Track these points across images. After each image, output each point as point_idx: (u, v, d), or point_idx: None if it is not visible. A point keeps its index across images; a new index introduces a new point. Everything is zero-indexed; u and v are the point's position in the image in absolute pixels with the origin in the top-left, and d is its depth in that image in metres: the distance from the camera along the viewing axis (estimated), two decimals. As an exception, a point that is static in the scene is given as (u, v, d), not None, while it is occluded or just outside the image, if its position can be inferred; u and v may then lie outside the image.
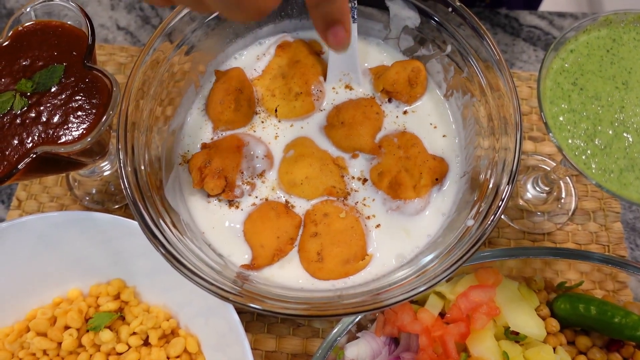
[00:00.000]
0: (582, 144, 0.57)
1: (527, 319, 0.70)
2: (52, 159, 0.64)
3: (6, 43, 0.67)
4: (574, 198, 0.88)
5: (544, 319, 0.73)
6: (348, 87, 0.81)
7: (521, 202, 0.88)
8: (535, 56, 1.04)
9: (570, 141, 0.57)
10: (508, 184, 0.62)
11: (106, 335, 0.72)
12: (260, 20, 0.72)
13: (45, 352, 0.73)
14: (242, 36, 0.83)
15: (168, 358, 0.73)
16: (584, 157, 0.57)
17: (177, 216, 0.68)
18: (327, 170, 0.73)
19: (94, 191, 0.89)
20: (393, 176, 0.73)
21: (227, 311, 0.67)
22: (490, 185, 0.65)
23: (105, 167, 0.87)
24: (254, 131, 0.78)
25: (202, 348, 0.74)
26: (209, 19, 0.77)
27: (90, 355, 0.74)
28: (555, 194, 0.88)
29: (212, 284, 0.58)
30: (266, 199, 0.74)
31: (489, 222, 0.61)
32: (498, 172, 0.64)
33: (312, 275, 0.69)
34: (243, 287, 0.61)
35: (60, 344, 0.73)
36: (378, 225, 0.72)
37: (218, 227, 0.72)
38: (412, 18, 0.77)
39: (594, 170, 0.56)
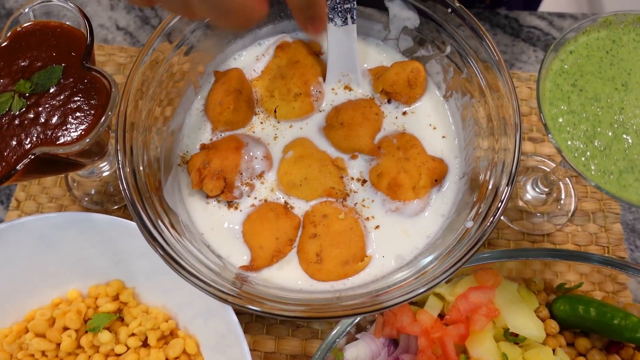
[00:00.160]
0: (581, 146, 0.57)
1: (526, 320, 0.70)
2: (50, 160, 0.64)
3: (5, 44, 0.67)
4: (573, 199, 0.88)
5: (543, 320, 0.73)
6: (347, 87, 0.81)
7: (521, 203, 0.88)
8: (535, 57, 1.04)
9: (569, 143, 0.57)
10: (507, 185, 0.62)
11: (105, 336, 0.72)
12: (248, 29, 0.73)
13: (44, 353, 0.73)
14: (242, 37, 0.83)
15: (167, 359, 0.73)
16: (583, 158, 0.57)
17: (176, 217, 0.68)
18: (326, 171, 0.73)
19: (93, 192, 0.89)
20: (392, 177, 0.72)
21: (226, 312, 0.67)
22: (490, 187, 0.64)
23: (104, 168, 0.87)
24: (253, 132, 0.78)
25: (201, 349, 0.74)
26: (208, 19, 0.76)
27: (89, 357, 0.73)
28: (554, 195, 0.88)
29: (211, 286, 0.58)
30: (265, 200, 0.74)
31: (488, 224, 0.61)
32: (497, 173, 0.64)
33: (311, 276, 0.69)
34: (242, 288, 0.61)
35: (59, 345, 0.73)
36: (377, 227, 0.72)
37: (217, 228, 0.72)
38: (411, 19, 0.77)
39: (593, 172, 0.56)
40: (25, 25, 0.68)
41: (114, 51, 1.02)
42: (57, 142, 0.63)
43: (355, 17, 0.74)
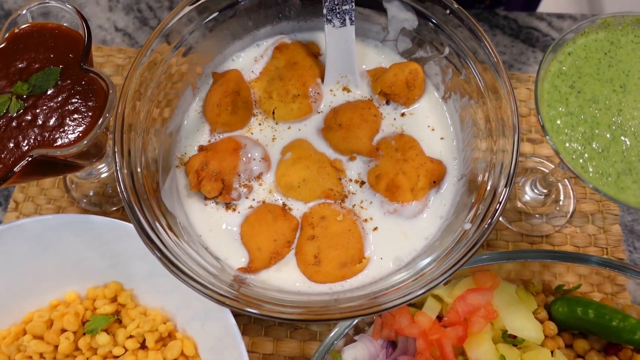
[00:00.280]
0: (579, 148, 0.57)
1: (524, 322, 0.70)
2: (48, 162, 0.64)
3: (2, 45, 0.67)
4: (572, 200, 0.88)
5: (541, 322, 0.73)
6: (346, 89, 0.81)
7: (519, 204, 0.88)
8: (534, 57, 1.03)
9: (567, 144, 0.57)
10: (505, 186, 0.62)
11: (102, 338, 0.72)
12: None
13: (41, 355, 0.73)
14: (240, 38, 0.83)
15: (165, 361, 0.73)
16: (581, 160, 0.57)
17: (174, 219, 0.68)
18: (324, 172, 0.73)
19: (91, 193, 0.89)
20: (390, 179, 0.72)
21: (223, 315, 0.67)
22: (488, 188, 0.64)
23: (103, 169, 0.86)
24: (251, 133, 0.78)
25: (199, 351, 0.74)
26: (207, 20, 0.76)
27: (87, 359, 0.73)
28: (553, 196, 0.88)
29: (208, 288, 0.57)
30: (263, 202, 0.74)
31: (486, 226, 0.61)
32: (496, 174, 0.64)
33: (309, 278, 0.69)
34: (239, 290, 0.61)
35: (56, 347, 0.73)
36: (375, 228, 0.72)
37: (215, 230, 0.72)
38: (409, 20, 0.77)
39: (591, 174, 0.56)
40: (23, 26, 0.68)
41: (113, 52, 1.02)
42: (55, 144, 0.62)
43: (353, 19, 0.74)
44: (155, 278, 0.75)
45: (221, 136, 0.78)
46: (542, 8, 1.41)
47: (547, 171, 0.88)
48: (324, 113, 0.79)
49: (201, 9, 0.75)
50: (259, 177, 0.75)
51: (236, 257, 0.71)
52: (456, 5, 0.71)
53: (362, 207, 0.74)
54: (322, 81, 0.81)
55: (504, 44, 1.05)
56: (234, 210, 0.73)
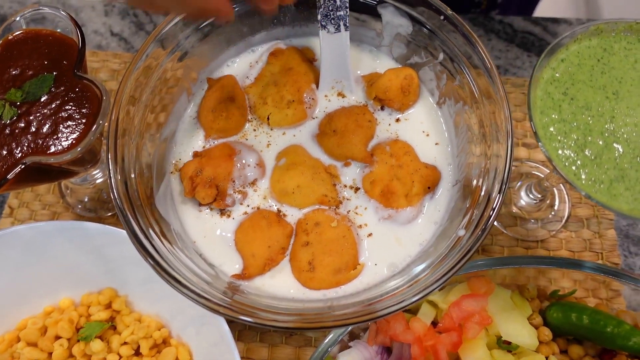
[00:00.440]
0: (572, 155, 0.57)
1: (519, 328, 0.70)
2: (42, 169, 0.64)
3: (-4, 52, 0.67)
4: (567, 205, 0.88)
5: (536, 327, 0.73)
6: (341, 94, 0.81)
7: (515, 209, 0.88)
8: (529, 62, 1.04)
9: (560, 152, 0.57)
10: (499, 192, 0.62)
11: (97, 345, 0.72)
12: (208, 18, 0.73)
13: (35, 362, 0.73)
14: (235, 43, 0.83)
15: (159, 368, 0.73)
16: (574, 167, 0.57)
17: (168, 225, 0.68)
18: (318, 178, 0.73)
19: (86, 199, 0.89)
20: (385, 184, 0.72)
21: (218, 321, 0.67)
22: (482, 194, 0.64)
23: (97, 175, 0.86)
24: (246, 139, 0.78)
25: (194, 358, 0.74)
26: (203, 25, 0.76)
27: (81, 365, 0.73)
28: (548, 201, 0.88)
29: (202, 296, 0.57)
30: (258, 208, 0.74)
31: (480, 232, 0.61)
32: (490, 180, 0.64)
33: (303, 284, 0.69)
34: (233, 298, 0.61)
35: (50, 354, 0.73)
36: (370, 234, 0.72)
37: (209, 237, 0.72)
38: (404, 26, 0.77)
39: (583, 181, 0.56)
40: (16, 33, 0.68)
41: (108, 57, 1.02)
42: (48, 152, 0.62)
43: (348, 25, 0.74)
44: (150, 284, 0.75)
45: (216, 142, 0.78)
46: (539, 12, 1.42)
47: (542, 176, 0.89)
48: (319, 119, 0.79)
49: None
50: (253, 183, 0.75)
51: (230, 264, 0.71)
52: (450, 11, 0.71)
53: (356, 213, 0.74)
54: (317, 87, 0.81)
55: (499, 48, 1.05)
56: (229, 216, 0.73)
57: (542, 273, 0.80)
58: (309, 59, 0.83)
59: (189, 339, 0.75)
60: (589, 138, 0.57)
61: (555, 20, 1.08)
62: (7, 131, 0.63)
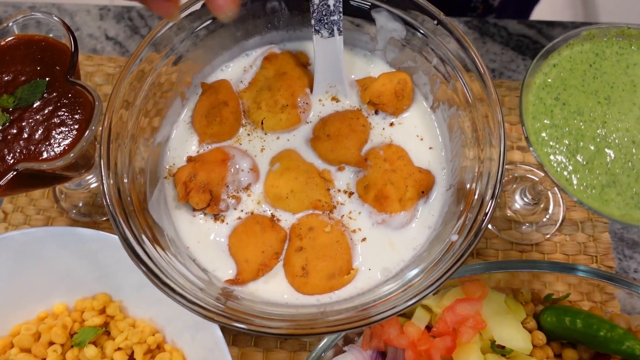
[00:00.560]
0: (564, 160, 0.57)
1: (513, 332, 0.70)
2: (35, 175, 0.64)
3: (-12, 58, 0.67)
4: (562, 208, 0.88)
5: (530, 331, 0.73)
6: (335, 99, 0.81)
7: (509, 212, 0.88)
8: (524, 65, 1.04)
9: (552, 157, 0.57)
10: (492, 198, 0.62)
11: (90, 351, 0.72)
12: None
13: (29, 368, 0.73)
14: (229, 48, 0.83)
15: (153, 373, 0.73)
16: (565, 173, 0.57)
17: (161, 231, 0.67)
18: (312, 183, 0.73)
19: (80, 204, 0.89)
20: (379, 189, 0.72)
21: (211, 327, 0.67)
22: (475, 198, 0.64)
23: (92, 180, 0.86)
24: (240, 144, 0.78)
25: (188, 363, 0.74)
26: (197, 29, 0.76)
27: (75, 371, 0.73)
28: (543, 204, 0.88)
29: (194, 303, 0.57)
30: (252, 213, 0.74)
31: (473, 237, 0.61)
32: (483, 184, 0.64)
33: (297, 290, 0.69)
34: (226, 304, 0.60)
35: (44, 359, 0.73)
36: (364, 239, 0.72)
37: (203, 242, 0.72)
38: (398, 30, 0.77)
39: (575, 187, 0.56)
40: (9, 39, 0.68)
41: (103, 61, 1.02)
42: (41, 158, 0.62)
43: (341, 29, 0.74)
44: (144, 289, 0.75)
45: (210, 147, 0.78)
46: (536, 16, 1.42)
47: (537, 179, 0.89)
48: (313, 123, 0.79)
49: (192, 18, 0.75)
50: (247, 188, 0.75)
51: (224, 269, 0.70)
52: (443, 16, 0.71)
53: (350, 218, 0.73)
54: (311, 91, 0.81)
55: (494, 51, 1.05)
56: (223, 221, 0.73)
57: (536, 277, 0.80)
58: (303, 63, 0.83)
59: (183, 344, 0.75)
60: (581, 143, 0.57)
61: (550, 24, 1.08)
62: (0, 137, 0.63)
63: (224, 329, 0.68)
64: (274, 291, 0.69)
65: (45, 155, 0.62)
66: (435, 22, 0.72)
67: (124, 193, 0.64)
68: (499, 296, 0.75)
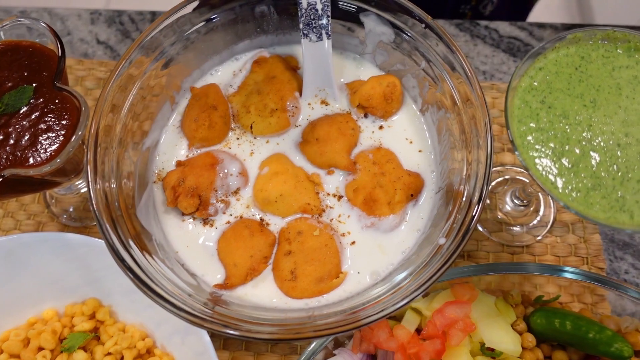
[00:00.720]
0: (549, 164, 0.57)
1: (502, 334, 0.70)
2: (23, 180, 0.64)
3: (-24, 64, 0.67)
4: (552, 210, 0.88)
5: (520, 333, 0.73)
6: (324, 102, 0.81)
7: (500, 215, 0.88)
8: (515, 67, 1.04)
9: (537, 161, 0.57)
10: (479, 199, 0.62)
11: (80, 356, 0.72)
12: None
13: (18, 374, 0.73)
14: (219, 52, 0.83)
15: (143, 378, 0.72)
16: (551, 176, 0.57)
17: (149, 236, 0.67)
18: (301, 187, 0.73)
19: (71, 209, 0.89)
20: (368, 192, 0.72)
21: (200, 332, 0.67)
22: (464, 200, 0.64)
23: (82, 185, 0.86)
24: (229, 148, 0.78)
25: (178, 367, 0.74)
26: (187, 33, 0.76)
27: (65, 377, 0.73)
28: (533, 206, 0.88)
29: (182, 309, 0.57)
30: (241, 217, 0.73)
31: (459, 240, 0.61)
32: (471, 186, 0.64)
33: (285, 294, 0.69)
34: (214, 309, 0.60)
35: (34, 365, 0.73)
36: (353, 243, 0.72)
37: (192, 246, 0.72)
38: (386, 33, 0.77)
39: (560, 190, 0.56)
40: (-4, 45, 0.68)
41: (94, 65, 1.02)
42: (27, 164, 0.62)
43: (330, 33, 0.74)
44: (134, 294, 0.74)
45: (199, 151, 0.78)
46: (533, 17, 1.42)
47: (527, 181, 0.89)
48: (302, 127, 0.79)
49: (181, 22, 0.75)
50: (236, 192, 0.75)
51: (213, 274, 0.70)
52: (431, 19, 0.71)
53: (340, 221, 0.74)
54: (301, 95, 0.81)
55: (485, 54, 1.05)
56: (212, 225, 0.73)
57: (527, 279, 0.80)
58: (292, 67, 0.83)
59: (173, 348, 0.75)
60: (567, 147, 0.57)
61: (541, 26, 1.08)
62: (-14, 143, 0.63)
63: (214, 333, 0.68)
64: (262, 295, 0.69)
65: (31, 161, 0.62)
66: (423, 25, 0.72)
67: (111, 198, 0.64)
68: (488, 298, 0.75)
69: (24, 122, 0.64)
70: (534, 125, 0.59)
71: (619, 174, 0.56)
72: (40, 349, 0.73)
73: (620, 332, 0.72)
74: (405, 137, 0.79)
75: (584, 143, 0.57)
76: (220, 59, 0.84)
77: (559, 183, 0.56)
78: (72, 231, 0.87)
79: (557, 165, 0.57)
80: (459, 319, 0.70)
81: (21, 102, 0.64)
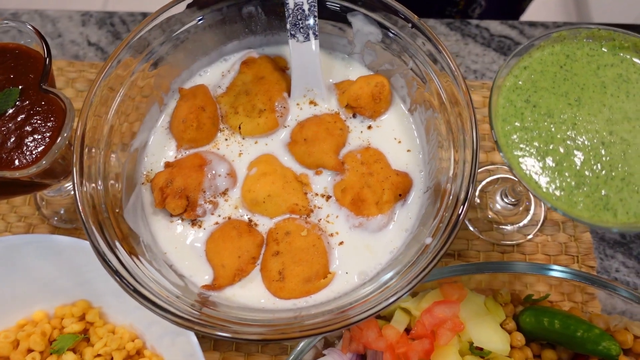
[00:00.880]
0: (534, 163, 0.57)
1: (491, 333, 0.70)
2: (10, 182, 0.64)
3: (-38, 66, 0.67)
4: (543, 209, 0.88)
5: (510, 332, 0.73)
6: (313, 102, 0.81)
7: (490, 214, 0.88)
8: (500, 66, 1.04)
9: (522, 160, 0.57)
10: (465, 198, 0.62)
11: (69, 357, 0.72)
12: None
13: (8, 376, 0.73)
14: (207, 53, 0.83)
15: (132, 379, 0.73)
16: (535, 175, 0.57)
17: (137, 237, 0.67)
18: (289, 187, 0.73)
19: (62, 211, 0.89)
20: (356, 192, 0.72)
21: (187, 333, 0.67)
22: (450, 200, 0.64)
23: (71, 187, 0.86)
24: (218, 149, 0.78)
25: (167, 368, 0.74)
26: (176, 33, 0.76)
27: (54, 378, 0.73)
28: (524, 205, 0.88)
29: (168, 311, 0.57)
30: (229, 218, 0.74)
31: (445, 239, 0.61)
32: (457, 185, 0.64)
33: (273, 294, 0.69)
34: (202, 310, 0.60)
35: (23, 367, 0.73)
36: (341, 243, 0.72)
37: (180, 247, 0.72)
38: (374, 33, 0.77)
39: (544, 189, 0.56)
40: (-18, 47, 0.68)
41: (85, 67, 1.02)
42: (13, 165, 0.62)
43: (317, 33, 0.74)
44: (124, 295, 0.74)
45: (188, 152, 0.78)
46: (529, 16, 1.42)
47: (517, 180, 0.89)
48: (291, 127, 0.79)
49: (170, 22, 0.75)
50: (224, 192, 0.75)
51: (201, 275, 0.70)
52: (417, 19, 0.71)
53: (328, 222, 0.74)
54: (289, 95, 0.81)
55: (476, 52, 1.05)
56: (200, 226, 0.73)
57: (517, 278, 0.80)
58: (281, 67, 0.83)
59: (163, 349, 0.75)
60: (551, 146, 0.57)
61: (532, 24, 1.08)
62: (-28, 146, 0.63)
63: (204, 335, 0.68)
64: (250, 296, 0.69)
65: (17, 163, 0.62)
66: (410, 25, 0.72)
67: (98, 200, 0.64)
68: (478, 298, 0.75)
69: (10, 125, 0.64)
70: (518, 125, 0.59)
71: (603, 172, 0.56)
72: (30, 350, 0.73)
73: (609, 330, 0.72)
74: (393, 137, 0.79)
75: (568, 142, 0.57)
76: (209, 59, 0.84)
77: (543, 182, 0.56)
78: (63, 233, 0.87)
79: (541, 165, 0.57)
80: (447, 319, 0.70)
81: (7, 104, 0.64)
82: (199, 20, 0.77)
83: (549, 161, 0.56)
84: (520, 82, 0.61)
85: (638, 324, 0.72)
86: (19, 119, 0.64)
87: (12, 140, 0.63)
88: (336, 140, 0.76)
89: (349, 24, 0.79)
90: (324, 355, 0.73)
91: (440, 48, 0.69)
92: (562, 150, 0.57)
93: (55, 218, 0.89)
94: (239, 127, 0.78)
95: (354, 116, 0.80)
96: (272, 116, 0.77)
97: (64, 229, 0.89)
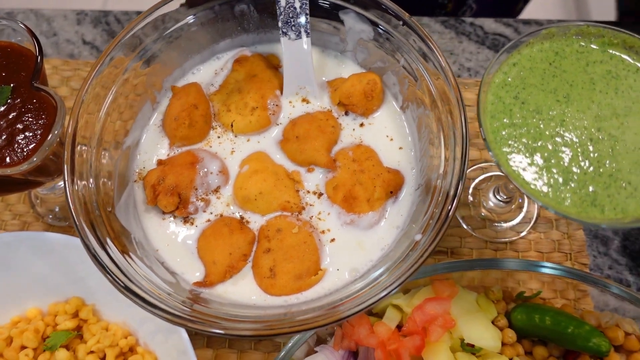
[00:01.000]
0: (522, 159, 0.57)
1: (482, 330, 0.70)
2: (4, 180, 0.64)
3: (-46, 65, 0.67)
4: (536, 206, 0.89)
5: (501, 329, 0.73)
6: (305, 100, 0.81)
7: (483, 211, 0.88)
8: (488, 63, 1.04)
9: (510, 157, 0.57)
10: (454, 195, 0.62)
11: (62, 354, 0.72)
12: None
13: (1, 373, 0.73)
14: (200, 51, 0.83)
15: (125, 376, 0.73)
16: (523, 172, 0.57)
17: (128, 235, 0.68)
18: (281, 185, 0.73)
19: (57, 208, 0.89)
20: (347, 190, 0.73)
21: (179, 330, 0.67)
22: (440, 197, 0.65)
23: (65, 184, 0.86)
24: (210, 147, 0.78)
25: (160, 365, 0.74)
26: (168, 31, 0.77)
27: (47, 375, 0.73)
28: (517, 202, 0.88)
29: (159, 307, 0.57)
30: (221, 215, 0.74)
31: (434, 235, 0.61)
32: (447, 183, 0.65)
33: (264, 291, 0.69)
34: (193, 307, 0.61)
35: (16, 364, 0.73)
36: (333, 240, 0.72)
37: (172, 245, 0.72)
38: (365, 31, 0.77)
39: (532, 186, 0.56)
40: (-26, 46, 0.68)
41: (80, 66, 1.03)
42: (4, 163, 0.62)
43: (309, 31, 0.74)
44: (117, 293, 0.75)
45: (180, 150, 0.78)
46: (528, 14, 1.42)
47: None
48: (283, 125, 0.80)
49: (162, 20, 0.75)
50: (216, 190, 0.75)
51: (192, 272, 0.71)
52: (408, 16, 0.71)
53: (319, 219, 0.74)
54: (282, 93, 0.81)
55: (470, 50, 1.05)
56: (192, 224, 0.73)
57: (509, 275, 0.80)
58: (274, 65, 0.84)
59: (156, 346, 0.75)
60: (539, 142, 0.57)
61: (526, 22, 1.08)
62: (-36, 144, 0.63)
63: (195, 331, 0.68)
64: (242, 293, 0.70)
65: (8, 160, 0.63)
66: (401, 22, 0.72)
67: (90, 197, 0.64)
68: (469, 295, 0.75)
69: (1, 122, 0.64)
70: (507, 121, 0.59)
71: (591, 169, 0.56)
72: (23, 347, 0.74)
73: (601, 327, 0.72)
74: (385, 134, 0.79)
75: (556, 138, 0.57)
76: (202, 57, 0.84)
77: (531, 178, 0.56)
78: (58, 231, 0.87)
79: (529, 161, 0.57)
80: (438, 315, 0.70)
81: (-1, 102, 0.65)
82: (192, 18, 0.77)
83: (537, 158, 0.57)
84: (509, 79, 0.61)
85: (629, 320, 0.72)
86: (10, 117, 0.64)
87: (3, 137, 0.63)
88: (328, 137, 0.76)
89: (341, 22, 0.79)
90: (316, 352, 0.73)
91: (432, 45, 0.70)
92: (550, 146, 0.57)
93: (50, 216, 0.89)
94: (232, 125, 0.78)
95: (346, 114, 0.80)
96: (264, 114, 0.78)
97: (58, 227, 0.89)
